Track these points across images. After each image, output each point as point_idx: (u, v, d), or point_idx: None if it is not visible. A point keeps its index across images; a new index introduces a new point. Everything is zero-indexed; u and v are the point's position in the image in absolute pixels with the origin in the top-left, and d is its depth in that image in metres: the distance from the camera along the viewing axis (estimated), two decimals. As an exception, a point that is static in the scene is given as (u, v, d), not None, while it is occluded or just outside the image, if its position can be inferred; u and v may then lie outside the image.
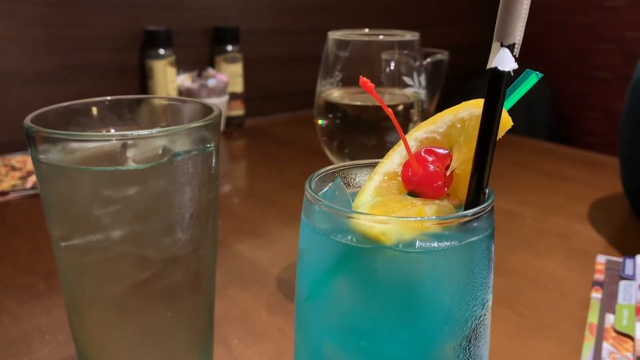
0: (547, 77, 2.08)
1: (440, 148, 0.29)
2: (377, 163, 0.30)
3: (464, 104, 0.28)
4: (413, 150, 0.29)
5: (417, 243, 0.26)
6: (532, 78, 0.27)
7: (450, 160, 0.28)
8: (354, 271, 0.27)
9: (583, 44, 2.03)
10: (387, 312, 0.27)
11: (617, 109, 0.82)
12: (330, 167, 0.31)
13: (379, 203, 0.28)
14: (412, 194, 0.28)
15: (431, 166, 0.28)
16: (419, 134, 0.30)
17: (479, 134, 0.26)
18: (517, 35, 0.23)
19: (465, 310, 0.28)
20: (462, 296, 0.28)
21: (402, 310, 0.27)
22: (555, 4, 2.09)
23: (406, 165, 0.28)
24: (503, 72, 0.24)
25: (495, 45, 0.24)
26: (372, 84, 0.27)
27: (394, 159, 0.30)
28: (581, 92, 2.07)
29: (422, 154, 0.28)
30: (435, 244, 0.26)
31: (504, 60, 0.24)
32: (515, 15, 0.23)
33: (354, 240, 0.26)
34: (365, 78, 0.26)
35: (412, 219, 0.26)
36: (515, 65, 0.24)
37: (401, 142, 0.30)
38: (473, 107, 0.28)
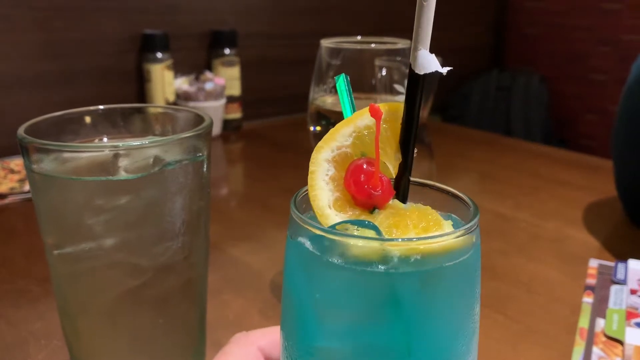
0: (544, 79, 2.08)
1: (362, 160, 0.28)
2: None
3: (356, 114, 0.29)
4: (327, 171, 0.29)
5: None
6: (342, 79, 0.30)
7: (377, 165, 0.28)
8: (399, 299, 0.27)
9: (580, 46, 2.04)
10: (420, 328, 0.27)
11: (613, 111, 0.83)
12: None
13: (386, 224, 0.27)
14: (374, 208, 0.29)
15: (383, 176, 0.28)
16: (326, 154, 0.29)
17: (402, 127, 0.28)
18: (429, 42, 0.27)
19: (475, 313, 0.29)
20: (476, 297, 0.29)
21: (431, 324, 0.27)
22: (553, 6, 2.10)
23: (358, 184, 0.28)
24: (435, 73, 0.27)
25: (423, 52, 0.27)
26: (382, 112, 0.27)
27: (323, 187, 0.28)
28: (578, 94, 2.08)
29: (365, 167, 0.28)
30: (471, 249, 0.28)
31: (433, 63, 0.27)
32: (430, 26, 0.27)
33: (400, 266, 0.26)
34: (376, 105, 0.27)
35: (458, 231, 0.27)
36: (443, 68, 0.27)
37: (311, 167, 0.29)
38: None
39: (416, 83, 0.28)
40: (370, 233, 0.26)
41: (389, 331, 0.26)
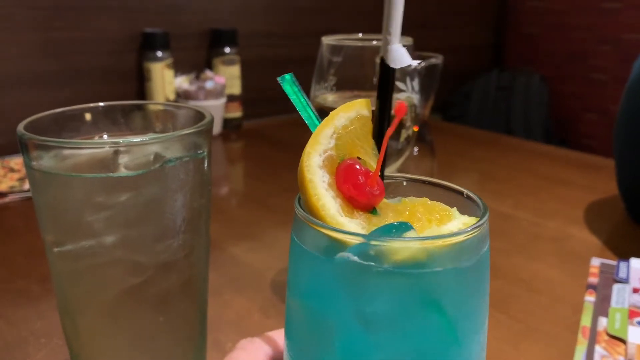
0: (544, 79, 2.08)
1: (350, 161, 0.28)
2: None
3: (331, 115, 0.28)
4: (323, 177, 0.28)
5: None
6: (287, 80, 0.30)
7: (379, 164, 0.28)
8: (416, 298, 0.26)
9: (580, 45, 2.04)
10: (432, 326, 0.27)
11: (614, 111, 0.83)
12: None
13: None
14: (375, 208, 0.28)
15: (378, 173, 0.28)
16: (316, 160, 0.28)
17: (375, 122, 0.29)
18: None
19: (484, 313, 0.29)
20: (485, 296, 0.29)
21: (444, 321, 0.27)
22: (553, 5, 2.10)
23: (359, 187, 0.27)
24: (410, 65, 0.27)
25: (396, 46, 0.28)
26: (406, 108, 0.27)
27: (326, 195, 0.27)
28: (578, 94, 2.08)
29: (359, 168, 0.27)
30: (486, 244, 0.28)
31: (405, 57, 0.28)
32: (400, 19, 0.27)
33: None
34: (403, 102, 0.27)
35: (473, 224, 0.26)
36: (414, 61, 0.27)
37: (307, 175, 0.28)
38: (345, 111, 0.28)
39: (388, 76, 0.28)
40: (413, 233, 0.26)
41: (440, 328, 0.26)
